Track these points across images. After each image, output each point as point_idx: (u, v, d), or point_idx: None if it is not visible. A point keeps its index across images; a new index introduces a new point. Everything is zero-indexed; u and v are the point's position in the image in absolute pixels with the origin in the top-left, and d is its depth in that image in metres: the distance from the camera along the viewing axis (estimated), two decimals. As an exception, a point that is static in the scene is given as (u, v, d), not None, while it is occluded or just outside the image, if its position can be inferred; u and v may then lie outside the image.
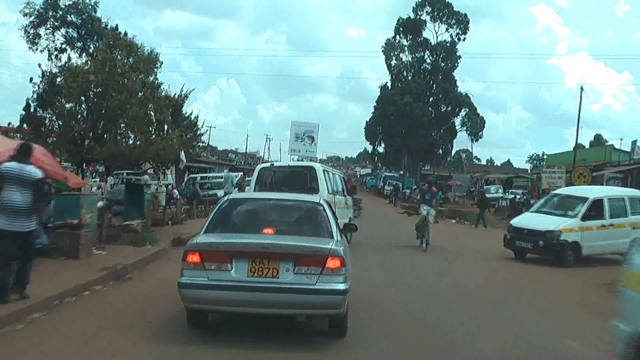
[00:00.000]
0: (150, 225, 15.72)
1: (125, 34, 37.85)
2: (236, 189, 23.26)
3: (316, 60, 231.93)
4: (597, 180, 31.37)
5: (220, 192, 33.21)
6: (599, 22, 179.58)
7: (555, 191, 18.12)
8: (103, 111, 34.61)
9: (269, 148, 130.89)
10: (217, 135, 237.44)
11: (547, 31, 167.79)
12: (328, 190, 14.48)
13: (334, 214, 7.59)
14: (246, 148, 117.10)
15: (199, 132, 46.51)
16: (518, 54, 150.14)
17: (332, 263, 6.07)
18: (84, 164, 38.38)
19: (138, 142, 36.26)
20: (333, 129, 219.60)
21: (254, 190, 14.50)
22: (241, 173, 24.83)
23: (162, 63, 38.79)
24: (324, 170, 15.15)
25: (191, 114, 46.48)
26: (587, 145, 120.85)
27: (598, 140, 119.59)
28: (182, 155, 30.51)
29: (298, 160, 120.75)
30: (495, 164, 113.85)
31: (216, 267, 6.06)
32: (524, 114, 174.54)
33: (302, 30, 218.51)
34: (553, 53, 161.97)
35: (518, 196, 42.45)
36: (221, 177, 39.12)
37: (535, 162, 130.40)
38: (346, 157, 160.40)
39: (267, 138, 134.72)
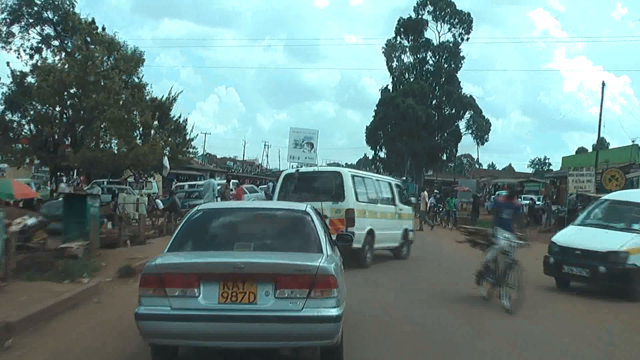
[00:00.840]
0: (98, 248, 12.11)
1: (104, 28, 34.86)
2: (219, 198, 19.82)
3: (315, 67, 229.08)
4: (630, 184, 27.84)
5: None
6: (597, 26, 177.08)
7: (606, 197, 14.15)
8: (81, 113, 31.53)
9: (267, 155, 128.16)
10: (216, 143, 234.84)
11: (545, 35, 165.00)
12: (356, 197, 12.99)
13: (324, 224, 6.52)
14: (243, 155, 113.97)
15: (188, 137, 43.54)
16: (516, 59, 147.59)
17: (322, 284, 4.99)
18: (59, 172, 35.25)
19: (116, 147, 33.16)
20: (333, 136, 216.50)
21: (278, 199, 13.26)
22: (224, 180, 21.18)
23: (144, 61, 36.18)
24: (353, 176, 13.43)
25: (179, 117, 43.41)
26: (590, 149, 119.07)
27: (601, 143, 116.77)
28: (166, 161, 26.89)
29: (299, 166, 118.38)
30: (496, 169, 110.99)
31: (180, 293, 4.98)
32: (523, 118, 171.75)
33: (300, 37, 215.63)
34: (551, 57, 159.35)
35: (537, 201, 38.94)
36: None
37: (537, 166, 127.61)
38: (346, 163, 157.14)
39: (265, 145, 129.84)
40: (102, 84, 30.67)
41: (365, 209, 13.23)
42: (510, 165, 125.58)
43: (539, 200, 42.28)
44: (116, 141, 29.57)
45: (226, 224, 6.21)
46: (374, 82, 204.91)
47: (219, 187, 22.30)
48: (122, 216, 17.51)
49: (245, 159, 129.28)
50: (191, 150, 44.56)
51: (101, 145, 29.86)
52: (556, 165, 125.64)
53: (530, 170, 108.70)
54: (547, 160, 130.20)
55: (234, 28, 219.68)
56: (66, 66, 29.89)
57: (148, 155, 29.59)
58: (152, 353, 5.39)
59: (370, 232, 13.32)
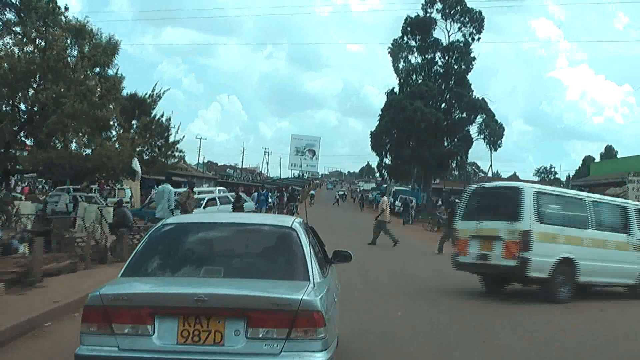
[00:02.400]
0: None
1: (66, 8, 29.72)
2: (178, 210, 14.49)
3: (317, 75, 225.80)
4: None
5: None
6: (599, 35, 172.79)
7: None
8: (36, 107, 26.26)
9: (267, 163, 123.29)
10: (218, 151, 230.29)
11: (547, 44, 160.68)
12: (539, 218, 10.84)
13: (317, 242, 5.53)
14: (242, 162, 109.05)
15: (172, 139, 38.20)
16: (519, 67, 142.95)
17: (305, 321, 3.95)
18: (10, 176, 29.95)
19: (79, 148, 27.90)
20: (335, 144, 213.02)
21: (461, 218, 12.12)
22: (186, 188, 15.75)
23: (117, 50, 31.03)
24: (537, 193, 11.25)
25: (162, 116, 38.12)
26: (597, 158, 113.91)
27: (609, 152, 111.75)
28: (136, 164, 21.25)
29: (299, 175, 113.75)
30: (501, 178, 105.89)
31: (130, 331, 3.98)
32: (526, 127, 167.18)
33: (302, 46, 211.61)
34: (554, 66, 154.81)
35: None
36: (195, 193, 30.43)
37: (542, 175, 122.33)
38: (348, 172, 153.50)
39: (265, 152, 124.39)
40: (64, 72, 25.40)
41: (557, 233, 11.01)
42: (515, 174, 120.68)
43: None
44: (73, 140, 24.12)
45: (195, 242, 5.06)
46: (376, 90, 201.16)
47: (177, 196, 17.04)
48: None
49: (246, 166, 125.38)
50: (177, 154, 39.37)
51: (58, 145, 24.52)
52: (562, 175, 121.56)
53: (536, 179, 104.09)
54: (552, 169, 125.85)
55: (237, 36, 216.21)
56: (17, 50, 24.61)
57: (114, 157, 24.31)
58: None
59: (567, 262, 10.93)
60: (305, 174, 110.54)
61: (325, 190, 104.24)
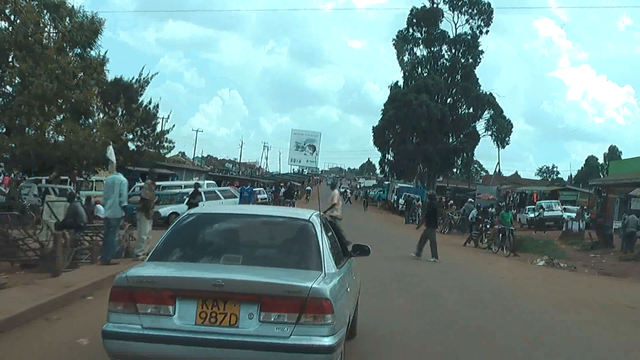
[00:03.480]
0: None
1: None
2: (131, 206, 11.33)
3: (319, 71, 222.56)
4: None
5: (167, 210, 21.23)
6: (601, 36, 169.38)
7: None
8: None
9: (266, 158, 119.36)
10: (218, 145, 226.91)
11: (549, 44, 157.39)
12: None
13: (333, 234, 5.63)
14: (240, 156, 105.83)
15: (159, 129, 34.93)
16: (520, 67, 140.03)
17: (314, 308, 4.12)
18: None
19: (48, 134, 24.59)
20: (335, 140, 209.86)
21: None
22: (148, 180, 12.39)
23: (100, 30, 27.92)
24: None
25: (149, 103, 34.84)
26: (601, 159, 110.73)
27: (613, 152, 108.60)
28: (111, 153, 17.98)
29: (299, 171, 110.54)
30: (504, 177, 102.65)
31: (153, 311, 4.20)
32: (526, 126, 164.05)
33: (304, 42, 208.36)
34: (555, 66, 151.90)
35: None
36: (180, 187, 27.24)
37: (545, 175, 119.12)
38: (349, 168, 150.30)
39: (264, 146, 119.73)
40: (34, 49, 22.18)
41: None
42: (516, 173, 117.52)
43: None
44: (43, 124, 20.92)
45: (217, 232, 5.33)
46: (378, 87, 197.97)
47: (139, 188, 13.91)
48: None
49: (246, 161, 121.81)
50: (166, 144, 36.07)
51: (32, 131, 21.27)
52: (564, 174, 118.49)
53: (538, 179, 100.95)
54: (555, 169, 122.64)
55: (239, 31, 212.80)
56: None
57: (87, 145, 21.11)
58: None
59: None
60: (305, 170, 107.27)
61: (325, 186, 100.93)
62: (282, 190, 30.15)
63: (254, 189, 28.75)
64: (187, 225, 5.22)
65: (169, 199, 22.59)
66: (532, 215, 33.59)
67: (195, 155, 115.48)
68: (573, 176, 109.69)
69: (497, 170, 62.63)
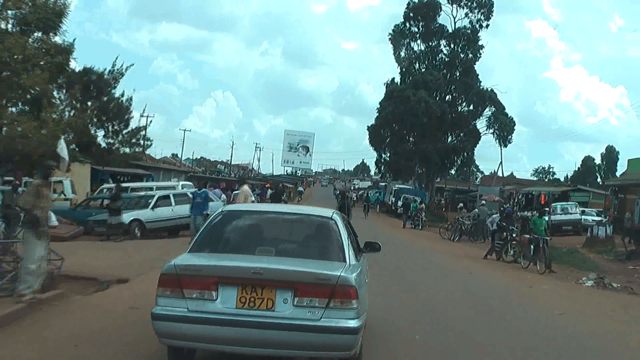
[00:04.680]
0: None
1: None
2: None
3: (312, 73, 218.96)
4: None
5: (128, 217, 17.43)
6: (593, 36, 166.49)
7: None
8: None
9: (259, 159, 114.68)
10: (212, 147, 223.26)
11: (542, 45, 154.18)
12: None
13: (350, 230, 5.97)
14: (231, 158, 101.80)
15: (132, 126, 30.99)
16: (513, 68, 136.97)
17: (342, 294, 4.58)
18: None
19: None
20: (329, 142, 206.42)
21: None
22: (36, 180, 8.54)
23: (65, 13, 24.21)
24: None
25: (122, 95, 30.87)
26: (597, 159, 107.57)
27: (610, 152, 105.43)
28: (62, 149, 13.90)
29: (293, 172, 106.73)
30: (500, 177, 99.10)
31: (198, 296, 4.62)
32: (520, 127, 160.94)
33: (298, 43, 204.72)
34: (548, 67, 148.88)
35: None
36: (152, 188, 23.38)
37: (541, 175, 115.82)
38: (343, 169, 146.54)
39: (257, 147, 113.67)
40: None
41: None
42: (512, 173, 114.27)
43: (599, 215, 30.12)
44: None
45: (250, 227, 5.74)
46: (371, 89, 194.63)
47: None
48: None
49: (238, 162, 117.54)
50: (143, 141, 32.31)
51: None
52: (560, 174, 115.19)
53: (534, 179, 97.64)
54: (551, 169, 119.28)
55: (232, 33, 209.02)
56: None
57: (34, 138, 17.38)
58: (168, 353, 4.99)
59: None
60: (298, 171, 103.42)
61: (319, 187, 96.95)
62: (270, 192, 26.34)
63: (234, 191, 24.84)
64: (221, 221, 5.60)
65: (134, 203, 18.71)
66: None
67: (187, 157, 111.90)
68: (569, 176, 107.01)
69: (497, 170, 59.07)
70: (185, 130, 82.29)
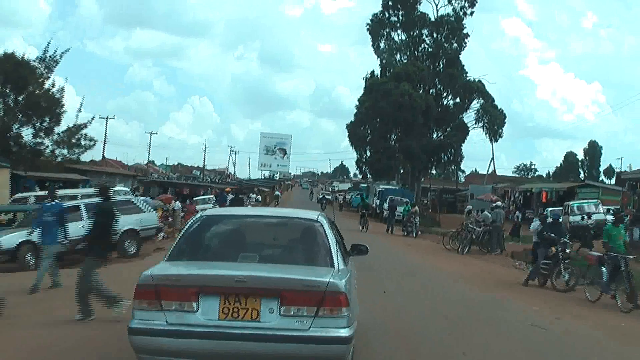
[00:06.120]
0: None
1: None
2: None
3: (289, 76, 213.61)
4: None
5: (12, 239, 11.74)
6: (568, 34, 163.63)
7: None
8: None
9: (234, 163, 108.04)
10: (190, 153, 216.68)
11: (517, 43, 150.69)
12: None
13: (337, 233, 5.47)
14: (203, 162, 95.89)
15: (67, 123, 25.48)
16: (489, 66, 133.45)
17: (331, 301, 4.16)
18: None
19: None
20: (308, 145, 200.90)
21: None
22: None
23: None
24: None
25: (52, 86, 25.08)
26: (580, 155, 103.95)
27: (593, 147, 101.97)
28: None
29: (271, 175, 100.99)
30: (482, 175, 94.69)
31: (177, 307, 4.20)
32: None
33: (274, 47, 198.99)
34: (524, 65, 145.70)
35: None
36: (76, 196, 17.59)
37: (523, 172, 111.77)
38: (322, 172, 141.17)
39: (231, 151, 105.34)
40: None
41: None
42: (494, 171, 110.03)
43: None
44: None
45: (231, 232, 5.30)
46: (348, 91, 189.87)
47: None
48: None
49: (215, 167, 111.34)
50: (84, 142, 26.57)
51: None
52: (542, 170, 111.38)
53: (515, 176, 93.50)
54: (533, 166, 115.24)
55: (207, 38, 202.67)
56: None
57: None
58: None
59: None
60: (276, 175, 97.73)
61: (299, 190, 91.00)
62: (230, 197, 20.85)
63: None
64: (201, 226, 5.16)
65: (23, 220, 13.05)
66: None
67: (161, 163, 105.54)
68: (551, 173, 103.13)
69: (489, 167, 54.38)
70: (151, 133, 75.65)
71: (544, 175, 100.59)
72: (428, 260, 15.46)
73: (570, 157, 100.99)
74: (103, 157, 49.11)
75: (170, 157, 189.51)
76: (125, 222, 13.65)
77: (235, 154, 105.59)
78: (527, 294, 10.55)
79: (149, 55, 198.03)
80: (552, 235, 11.06)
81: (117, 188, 20.27)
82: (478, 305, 9.24)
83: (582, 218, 22.58)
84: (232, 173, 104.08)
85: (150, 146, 69.12)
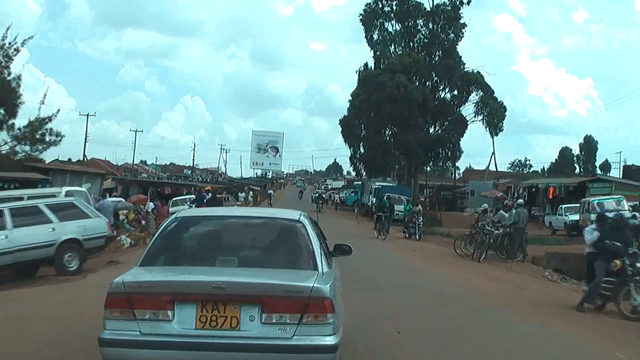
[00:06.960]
0: None
1: None
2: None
3: (281, 75, 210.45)
4: None
5: None
6: (559, 29, 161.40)
7: None
8: None
9: (225, 162, 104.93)
10: (182, 152, 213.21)
11: (508, 39, 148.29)
12: None
13: (320, 234, 5.08)
14: (193, 161, 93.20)
15: (28, 116, 22.54)
16: (481, 63, 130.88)
17: (316, 307, 3.85)
18: None
19: None
20: (300, 143, 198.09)
21: None
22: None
23: None
24: None
25: (8, 75, 22.23)
26: (576, 150, 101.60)
27: (589, 142, 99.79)
28: None
29: (263, 174, 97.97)
30: (476, 171, 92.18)
31: (151, 316, 3.89)
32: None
33: (265, 46, 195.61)
34: (515, 61, 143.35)
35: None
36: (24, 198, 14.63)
37: (518, 168, 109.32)
38: (315, 170, 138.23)
39: (222, 149, 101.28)
40: None
41: None
42: (488, 167, 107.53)
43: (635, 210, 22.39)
44: None
45: (208, 234, 4.91)
46: (340, 89, 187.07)
47: None
48: None
49: (207, 166, 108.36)
50: (49, 138, 23.62)
51: None
52: (537, 166, 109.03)
53: (510, 172, 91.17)
54: (528, 162, 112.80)
55: (199, 37, 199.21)
56: None
57: None
58: None
59: None
60: (268, 173, 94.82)
61: (293, 189, 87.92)
62: (205, 199, 17.98)
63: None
64: (176, 228, 4.81)
65: None
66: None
67: (151, 162, 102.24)
68: (546, 169, 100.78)
69: (491, 162, 51.69)
70: (136, 131, 72.49)
71: (539, 171, 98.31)
72: (444, 272, 12.56)
73: (565, 152, 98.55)
74: (84, 156, 46.04)
75: (164, 157, 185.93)
76: (64, 230, 10.75)
77: (226, 152, 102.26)
78: (589, 325, 7.64)
79: (140, 56, 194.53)
80: (615, 244, 8.21)
81: (69, 189, 17.27)
82: (533, 348, 6.37)
83: (634, 216, 18.31)
84: (224, 172, 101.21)
85: (135, 144, 65.85)
